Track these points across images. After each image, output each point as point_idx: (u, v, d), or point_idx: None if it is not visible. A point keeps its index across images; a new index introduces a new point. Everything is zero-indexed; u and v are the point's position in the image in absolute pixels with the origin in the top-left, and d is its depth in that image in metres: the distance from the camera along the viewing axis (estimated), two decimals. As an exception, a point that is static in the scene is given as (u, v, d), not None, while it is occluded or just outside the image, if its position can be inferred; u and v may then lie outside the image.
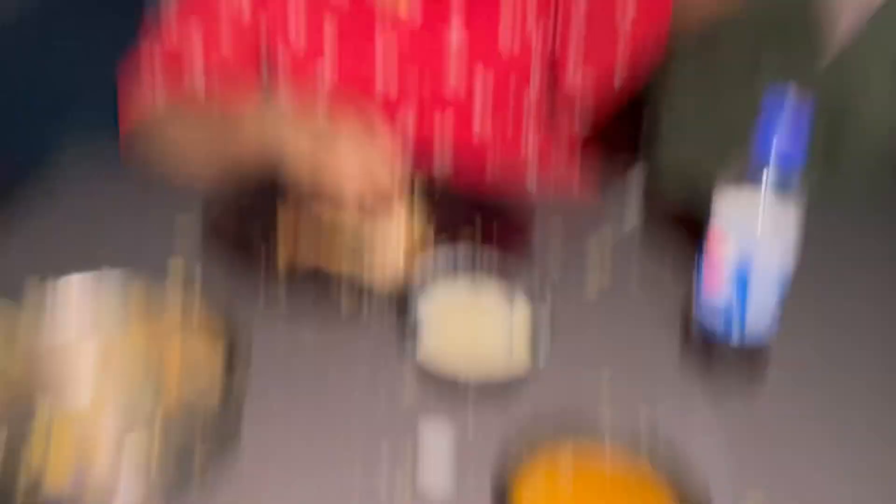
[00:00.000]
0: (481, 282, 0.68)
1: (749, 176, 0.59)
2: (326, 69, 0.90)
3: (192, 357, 0.57)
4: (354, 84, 0.90)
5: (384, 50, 0.89)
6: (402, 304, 0.65)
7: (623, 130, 1.12)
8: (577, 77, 0.93)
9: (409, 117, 0.93)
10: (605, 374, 0.64)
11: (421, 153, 0.92)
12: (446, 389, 0.61)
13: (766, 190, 0.58)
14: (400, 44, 0.89)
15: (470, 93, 0.92)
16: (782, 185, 0.58)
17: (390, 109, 0.91)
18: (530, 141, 0.98)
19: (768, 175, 0.58)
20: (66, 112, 2.22)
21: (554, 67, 0.93)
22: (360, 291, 0.70)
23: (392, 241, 0.75)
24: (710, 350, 0.64)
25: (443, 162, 0.93)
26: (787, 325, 0.64)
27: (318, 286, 0.70)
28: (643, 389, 0.63)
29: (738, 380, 0.64)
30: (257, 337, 0.59)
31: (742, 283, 0.60)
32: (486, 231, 0.79)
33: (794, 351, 0.67)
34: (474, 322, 0.65)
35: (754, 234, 0.59)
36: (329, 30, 0.89)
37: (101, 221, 0.80)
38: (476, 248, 0.70)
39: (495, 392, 0.61)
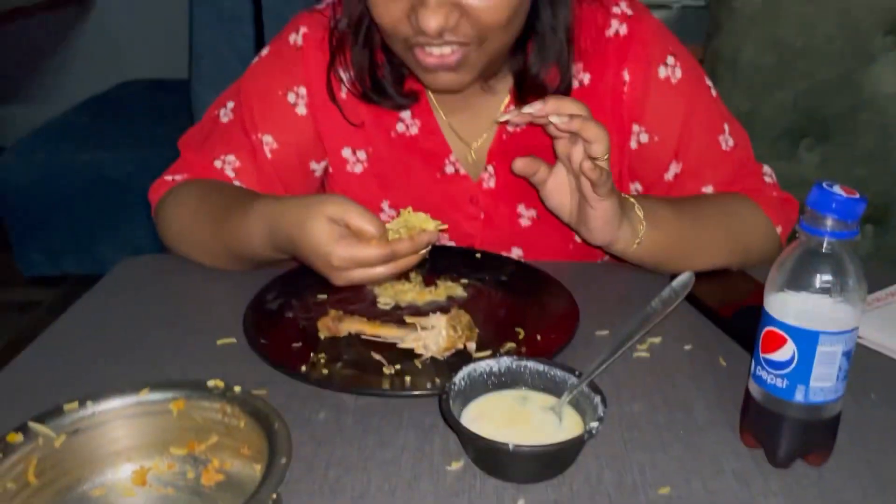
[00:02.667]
0: (526, 394, 0.64)
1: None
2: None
3: (233, 455, 0.54)
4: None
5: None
6: (445, 411, 0.61)
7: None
8: None
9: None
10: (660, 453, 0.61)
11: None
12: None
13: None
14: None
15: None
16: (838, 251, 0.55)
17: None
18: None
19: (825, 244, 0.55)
20: (117, 228, 2.33)
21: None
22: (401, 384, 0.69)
23: (432, 350, 0.72)
24: (769, 412, 0.60)
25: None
26: (854, 386, 0.60)
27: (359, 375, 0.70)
28: (700, 464, 0.60)
29: (802, 446, 0.60)
30: (297, 425, 0.57)
31: (806, 339, 0.56)
32: (529, 341, 0.76)
33: (863, 416, 0.63)
34: (519, 437, 0.59)
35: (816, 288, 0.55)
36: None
37: (141, 340, 0.78)
38: (520, 358, 0.65)
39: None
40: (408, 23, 0.77)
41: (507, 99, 0.93)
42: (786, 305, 0.57)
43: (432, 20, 0.74)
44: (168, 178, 0.96)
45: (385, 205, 0.98)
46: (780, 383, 0.58)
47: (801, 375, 0.57)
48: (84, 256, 2.45)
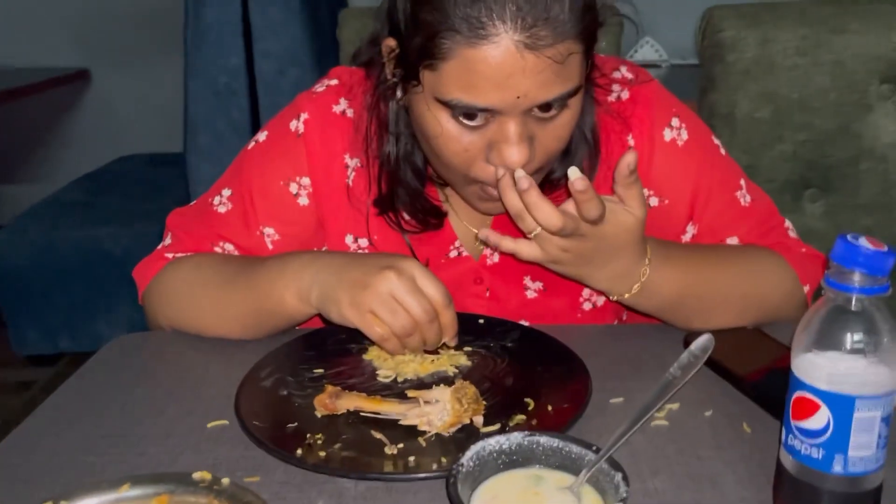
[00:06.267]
0: (541, 473, 0.59)
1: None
2: None
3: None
4: None
5: None
6: (452, 496, 0.55)
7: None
8: None
9: None
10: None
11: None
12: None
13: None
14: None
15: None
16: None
17: None
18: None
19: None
20: (114, 304, 2.32)
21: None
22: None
23: (437, 426, 0.68)
24: (805, 486, 0.55)
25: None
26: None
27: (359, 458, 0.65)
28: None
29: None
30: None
31: (841, 404, 0.52)
32: (540, 413, 0.71)
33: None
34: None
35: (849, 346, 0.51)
36: None
37: (128, 425, 0.73)
38: (532, 434, 0.60)
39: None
40: (482, 161, 0.76)
41: None
42: (816, 368, 0.53)
43: (517, 155, 0.73)
44: (168, 255, 0.94)
45: None
46: (816, 453, 0.53)
47: (838, 444, 0.52)
48: (80, 334, 2.40)
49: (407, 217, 0.89)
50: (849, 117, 1.40)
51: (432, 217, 0.90)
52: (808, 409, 0.53)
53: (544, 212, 0.71)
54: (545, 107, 0.73)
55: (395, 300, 0.73)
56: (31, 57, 3.15)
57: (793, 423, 0.55)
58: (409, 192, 0.88)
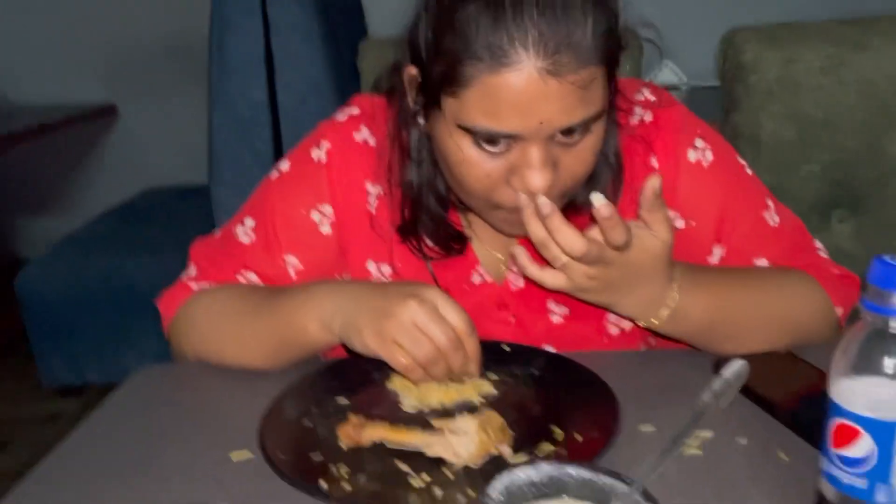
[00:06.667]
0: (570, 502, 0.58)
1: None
2: None
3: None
4: None
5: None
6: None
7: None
8: None
9: None
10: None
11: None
12: None
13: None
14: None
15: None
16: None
17: None
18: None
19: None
20: (140, 336, 2.34)
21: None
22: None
23: (464, 458, 0.67)
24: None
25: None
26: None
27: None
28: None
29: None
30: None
31: (884, 431, 0.50)
32: (569, 442, 0.70)
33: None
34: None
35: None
36: None
37: (152, 457, 0.73)
38: (561, 464, 0.59)
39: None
40: (504, 186, 0.76)
41: None
42: (856, 394, 0.51)
43: (539, 180, 0.72)
44: (193, 285, 0.94)
45: None
46: (859, 483, 0.51)
47: (881, 473, 0.50)
48: (107, 365, 2.42)
49: (430, 243, 0.89)
50: (876, 136, 1.38)
51: (455, 242, 0.89)
52: (849, 437, 0.51)
53: (567, 237, 0.70)
54: (568, 131, 0.73)
55: (418, 329, 0.73)
56: (59, 94, 3.21)
57: (833, 450, 0.53)
58: (432, 218, 0.87)
